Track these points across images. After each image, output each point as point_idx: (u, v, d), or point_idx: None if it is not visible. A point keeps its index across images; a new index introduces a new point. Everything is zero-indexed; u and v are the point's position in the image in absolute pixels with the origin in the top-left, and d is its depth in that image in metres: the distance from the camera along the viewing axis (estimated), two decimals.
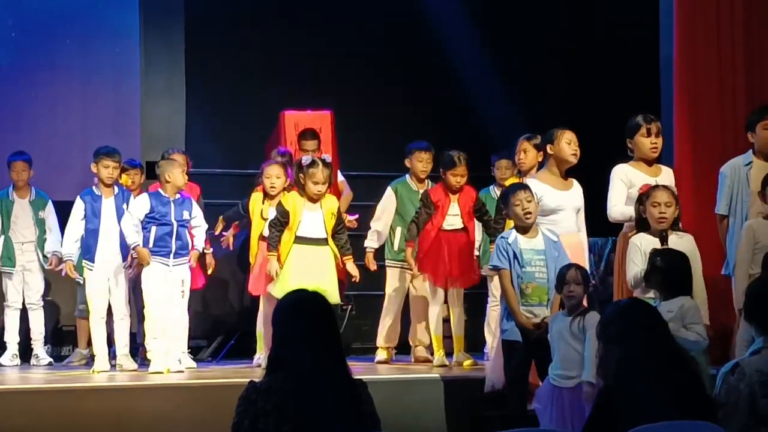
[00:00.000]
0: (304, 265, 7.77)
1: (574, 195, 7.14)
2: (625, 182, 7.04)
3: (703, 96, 8.31)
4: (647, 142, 7.10)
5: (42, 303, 8.99)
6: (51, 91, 10.20)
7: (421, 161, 8.61)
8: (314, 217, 7.83)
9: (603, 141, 8.68)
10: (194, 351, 8.88)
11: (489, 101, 10.89)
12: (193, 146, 9.87)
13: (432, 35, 11.02)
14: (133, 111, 10.24)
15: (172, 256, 7.96)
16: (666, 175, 7.15)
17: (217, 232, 8.75)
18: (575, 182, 7.23)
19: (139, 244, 7.90)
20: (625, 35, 10.71)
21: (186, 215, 8.06)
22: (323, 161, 7.84)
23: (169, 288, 7.95)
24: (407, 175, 8.75)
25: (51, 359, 8.92)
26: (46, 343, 9.03)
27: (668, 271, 5.94)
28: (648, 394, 4.07)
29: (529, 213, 6.57)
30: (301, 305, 4.00)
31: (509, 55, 11.06)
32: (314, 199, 7.79)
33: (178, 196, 8.09)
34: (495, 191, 8.68)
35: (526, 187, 6.71)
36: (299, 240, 7.80)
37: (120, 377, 7.79)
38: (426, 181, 8.70)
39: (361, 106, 10.58)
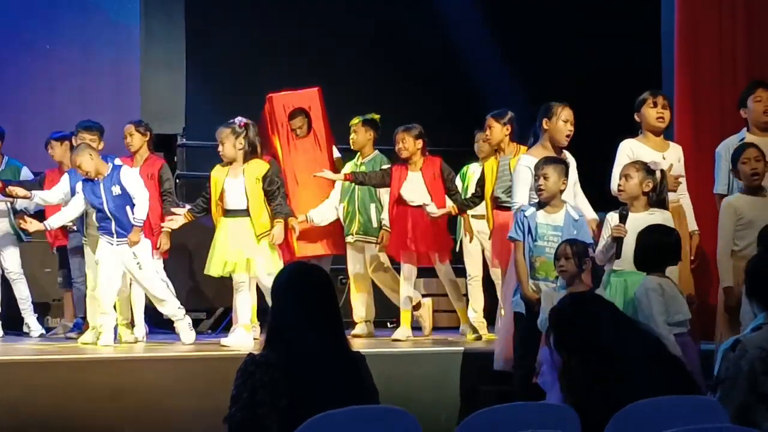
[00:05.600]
0: (227, 238, 7.74)
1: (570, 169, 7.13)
2: (630, 157, 7.03)
3: (703, 73, 8.31)
4: (653, 112, 7.13)
5: (22, 272, 8.91)
6: (50, 64, 10.18)
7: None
8: (235, 185, 7.78)
9: (603, 117, 8.68)
10: (194, 323, 8.86)
11: (487, 78, 10.87)
12: (193, 119, 9.86)
13: (430, 11, 11.01)
14: (133, 84, 10.22)
15: (115, 236, 7.83)
16: (674, 150, 7.16)
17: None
18: (568, 155, 7.21)
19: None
20: (627, 12, 10.69)
21: (117, 190, 7.81)
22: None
23: (119, 265, 7.84)
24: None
25: (43, 330, 8.93)
26: (35, 312, 9.01)
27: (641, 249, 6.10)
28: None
29: (542, 189, 6.57)
30: (301, 278, 4.00)
31: (508, 31, 11.03)
32: (229, 163, 7.80)
33: (103, 175, 7.82)
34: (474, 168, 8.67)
35: (549, 162, 6.64)
36: (227, 213, 7.79)
37: (117, 349, 7.78)
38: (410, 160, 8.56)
39: (360, 81, 10.57)
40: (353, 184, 8.41)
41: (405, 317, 8.35)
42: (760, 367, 4.31)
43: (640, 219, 6.43)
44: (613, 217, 6.51)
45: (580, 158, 7.24)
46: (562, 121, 6.95)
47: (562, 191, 6.62)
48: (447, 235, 8.40)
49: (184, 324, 8.03)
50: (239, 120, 7.93)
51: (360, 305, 8.64)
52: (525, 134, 7.91)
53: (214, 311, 9.61)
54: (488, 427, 3.75)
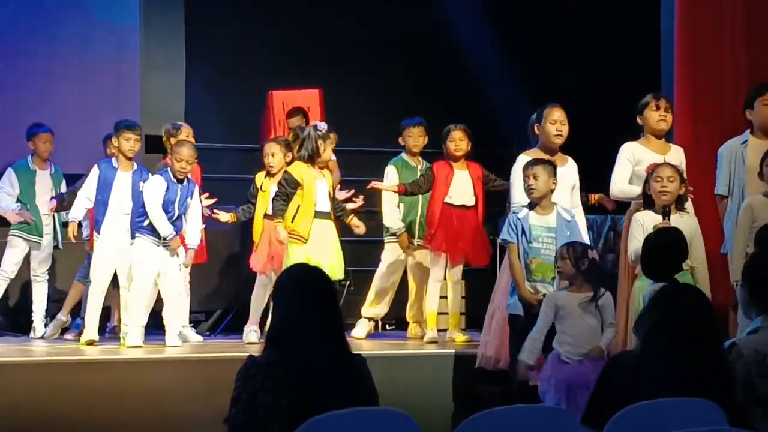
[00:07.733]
0: (323, 241, 7.75)
1: (567, 172, 7.15)
2: (631, 160, 7.07)
3: (703, 75, 8.30)
4: (656, 115, 7.16)
5: (47, 276, 8.93)
6: (49, 64, 10.17)
7: (412, 136, 8.67)
8: (323, 188, 7.81)
9: (602, 118, 8.67)
10: (193, 325, 8.88)
11: (487, 78, 10.88)
12: (193, 120, 9.83)
13: (432, 12, 11.02)
14: (132, 84, 10.22)
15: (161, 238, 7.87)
16: (675, 153, 7.17)
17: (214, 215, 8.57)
18: (570, 159, 7.23)
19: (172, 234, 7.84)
20: (626, 13, 10.69)
21: (189, 202, 7.92)
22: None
23: (159, 265, 7.88)
24: (403, 153, 8.77)
25: (45, 330, 8.91)
26: (46, 316, 9.01)
27: (649, 253, 6.03)
28: (666, 365, 4.07)
29: (533, 189, 6.60)
30: (305, 280, 3.99)
31: (510, 29, 11.04)
32: (325, 166, 7.83)
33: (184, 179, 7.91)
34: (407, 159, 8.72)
35: (538, 163, 6.69)
36: (318, 215, 7.77)
37: (120, 351, 7.78)
38: (419, 157, 8.74)
39: (361, 80, 10.58)
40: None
41: (431, 319, 8.35)
42: (756, 371, 4.30)
43: (676, 220, 6.43)
44: (644, 218, 6.48)
45: (578, 160, 7.27)
46: (549, 123, 7.08)
47: (552, 191, 6.66)
48: (486, 237, 8.44)
49: (173, 330, 8.00)
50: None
51: (375, 305, 8.67)
52: (526, 136, 7.95)
53: (212, 313, 9.61)
54: (486, 430, 3.76)
